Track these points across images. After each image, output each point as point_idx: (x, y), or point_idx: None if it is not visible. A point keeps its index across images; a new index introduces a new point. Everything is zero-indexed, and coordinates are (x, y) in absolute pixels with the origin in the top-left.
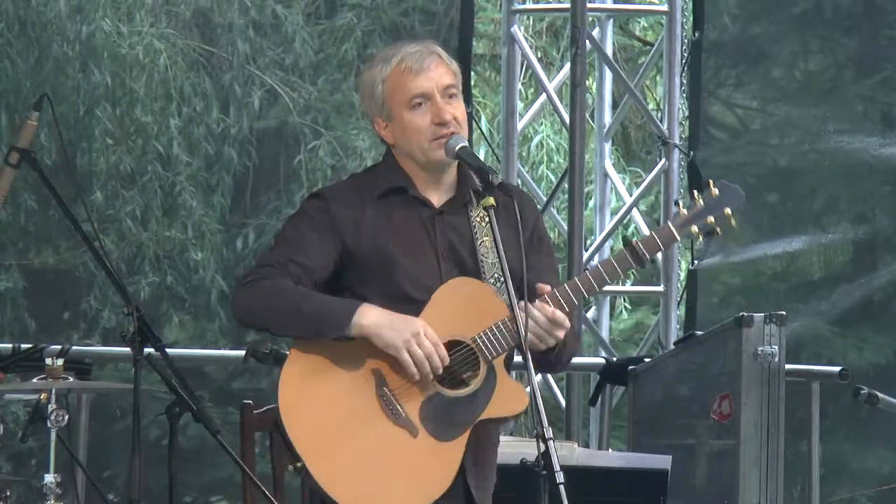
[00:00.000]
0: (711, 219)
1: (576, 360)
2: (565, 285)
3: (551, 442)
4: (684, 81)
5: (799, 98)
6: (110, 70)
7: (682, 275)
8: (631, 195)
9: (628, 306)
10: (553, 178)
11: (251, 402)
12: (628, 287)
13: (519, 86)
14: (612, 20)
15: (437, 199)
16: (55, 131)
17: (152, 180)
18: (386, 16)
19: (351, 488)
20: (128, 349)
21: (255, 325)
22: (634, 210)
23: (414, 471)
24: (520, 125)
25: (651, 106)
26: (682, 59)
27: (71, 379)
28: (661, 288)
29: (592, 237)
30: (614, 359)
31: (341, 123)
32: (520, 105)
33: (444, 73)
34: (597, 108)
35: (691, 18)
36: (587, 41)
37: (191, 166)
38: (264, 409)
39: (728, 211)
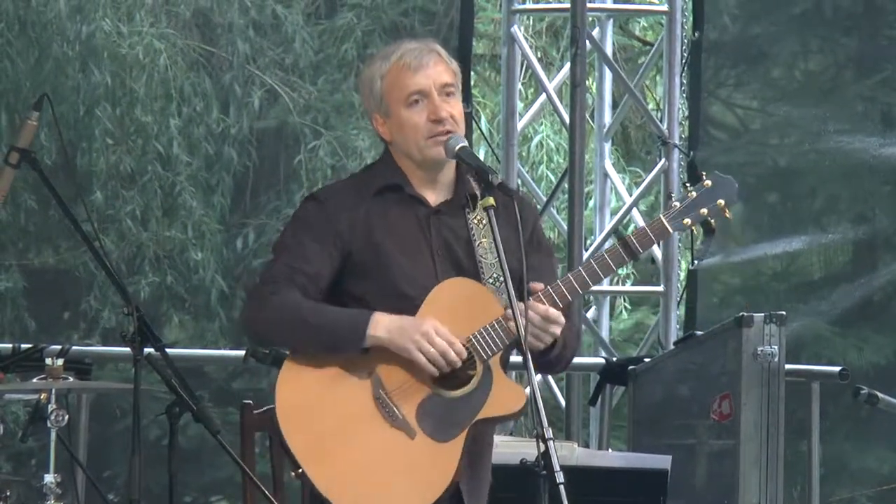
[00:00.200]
0: (704, 210)
1: (576, 360)
2: (559, 282)
3: (551, 442)
4: (684, 81)
5: (799, 98)
6: (110, 70)
7: (682, 275)
8: (631, 195)
9: (628, 306)
10: (553, 178)
11: (251, 402)
12: (628, 287)
13: (519, 86)
14: (612, 20)
15: (433, 197)
16: (55, 131)
17: (152, 180)
18: (386, 16)
19: (350, 492)
20: (128, 349)
21: (268, 343)
22: (634, 210)
23: (412, 472)
24: (520, 125)
25: (651, 106)
26: (682, 59)
27: (71, 379)
28: (661, 288)
29: (592, 237)
30: (614, 359)
31: (341, 123)
32: (520, 105)
33: (442, 72)
34: (597, 108)
35: (691, 18)
36: (587, 41)
37: (191, 166)
38: (264, 409)
39: (721, 202)
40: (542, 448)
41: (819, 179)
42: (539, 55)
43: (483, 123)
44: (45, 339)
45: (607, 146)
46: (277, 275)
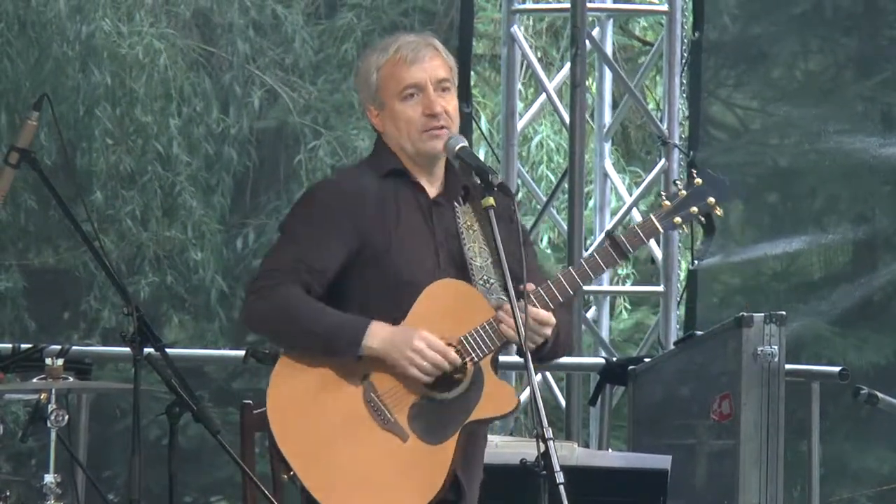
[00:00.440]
0: (695, 209)
1: (576, 360)
2: (549, 283)
3: (551, 442)
4: (684, 81)
5: (799, 98)
6: (110, 70)
7: (682, 275)
8: (631, 195)
9: (628, 306)
10: (553, 178)
11: (251, 402)
12: (628, 287)
13: (519, 86)
14: (612, 20)
15: (431, 190)
16: (55, 131)
17: (152, 180)
18: (386, 16)
19: (344, 497)
20: (128, 349)
21: (263, 334)
22: (634, 210)
23: (406, 476)
24: (520, 125)
25: (651, 106)
26: (682, 59)
27: (71, 379)
28: (661, 288)
29: (592, 237)
30: (614, 359)
31: (341, 123)
32: (520, 105)
33: (439, 66)
34: (597, 108)
35: (691, 18)
36: (587, 41)
37: (191, 166)
38: (264, 409)
39: (712, 200)
40: (542, 448)
41: (819, 179)
42: (539, 55)
43: (483, 123)
44: (45, 339)
45: (607, 146)
46: (283, 266)
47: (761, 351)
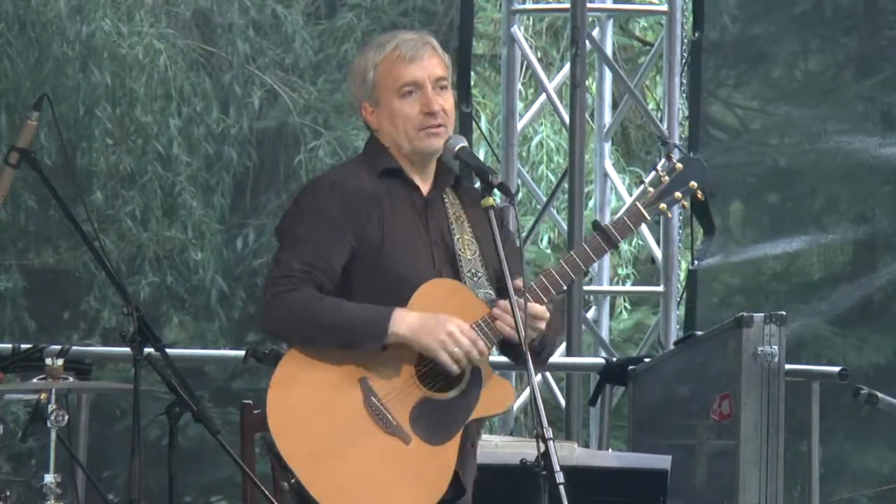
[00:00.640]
0: (678, 194)
1: (576, 360)
2: (541, 277)
3: (551, 442)
4: (684, 81)
5: (799, 98)
6: (110, 70)
7: (682, 275)
8: (631, 195)
9: (628, 306)
10: (553, 178)
11: (251, 402)
12: (628, 287)
13: (519, 86)
14: (611, 20)
15: (424, 187)
16: (55, 131)
17: (152, 180)
18: (386, 16)
19: (349, 501)
20: (128, 349)
21: (287, 340)
22: None
23: (410, 478)
24: (520, 125)
25: (651, 106)
26: (681, 59)
27: (71, 379)
28: (660, 288)
29: None
30: (614, 359)
31: (341, 123)
32: (520, 105)
33: (436, 65)
34: (597, 108)
35: (691, 18)
36: (587, 41)
37: (191, 166)
38: (263, 409)
39: (694, 184)
40: (542, 448)
41: (819, 179)
42: (539, 55)
43: (483, 123)
44: (45, 339)
45: (607, 146)
46: (294, 270)
47: (761, 351)
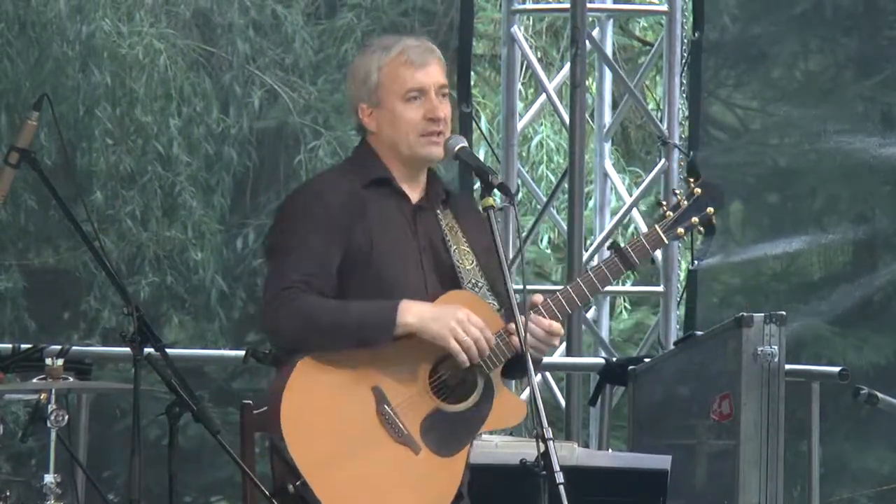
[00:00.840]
0: (696, 219)
1: (576, 360)
2: (558, 295)
3: (551, 442)
4: (684, 81)
5: (799, 98)
6: (110, 70)
7: (682, 275)
8: (631, 195)
9: (628, 306)
10: (553, 178)
11: (251, 402)
12: (628, 287)
13: (519, 86)
14: (611, 20)
15: (414, 195)
16: (55, 131)
17: (152, 180)
18: (386, 16)
19: None
20: (128, 349)
21: (296, 347)
22: (634, 210)
23: (418, 488)
24: (520, 125)
25: (651, 106)
26: (681, 59)
27: (71, 379)
28: (660, 288)
29: (592, 237)
30: (614, 359)
31: (341, 123)
32: (520, 105)
33: (440, 72)
34: (597, 108)
35: (691, 18)
36: (587, 41)
37: (191, 166)
38: (264, 409)
39: (711, 210)
40: (542, 448)
41: (819, 179)
42: (539, 55)
43: (483, 123)
44: (45, 339)
45: (607, 146)
46: (294, 281)
47: (761, 351)
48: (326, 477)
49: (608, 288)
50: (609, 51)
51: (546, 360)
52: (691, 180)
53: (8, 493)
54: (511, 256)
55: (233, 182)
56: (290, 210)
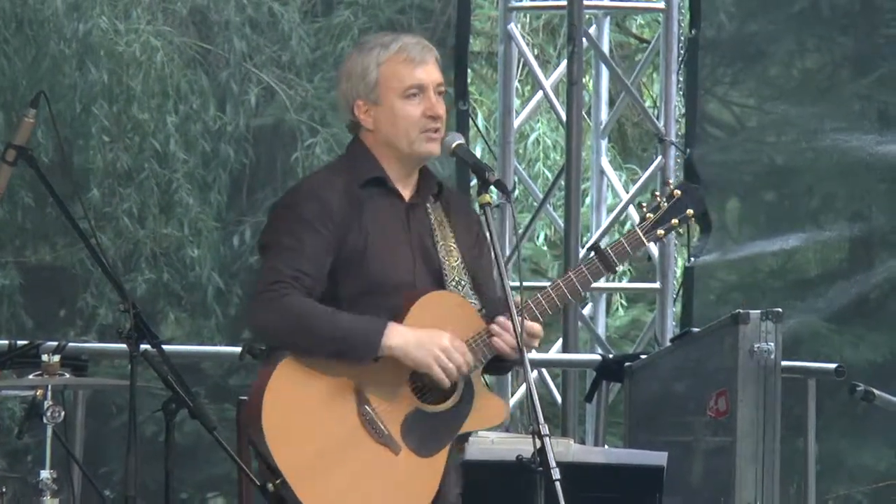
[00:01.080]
0: (675, 221)
1: (572, 356)
2: (539, 296)
3: (547, 438)
4: (681, 79)
5: (796, 96)
6: (107, 67)
7: (679, 272)
8: (627, 192)
9: (624, 303)
10: (550, 175)
11: (247, 398)
12: (625, 284)
13: (516, 83)
14: (608, 17)
15: (406, 193)
16: (52, 129)
17: (149, 178)
18: (383, 13)
19: None
20: (124, 346)
21: (278, 344)
22: (631, 207)
23: (397, 488)
24: (516, 122)
25: (648, 103)
26: (678, 57)
27: (67, 375)
28: (657, 285)
29: (589, 234)
30: (610, 355)
31: (338, 121)
32: (516, 102)
33: (437, 70)
34: (593, 105)
35: (688, 16)
36: (584, 38)
37: (188, 164)
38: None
39: (690, 212)
40: (539, 444)
41: (816, 177)
42: (536, 52)
43: (480, 121)
44: (42, 335)
45: (604, 143)
46: (283, 276)
47: (758, 348)
48: (307, 477)
49: (604, 285)
50: (606, 48)
51: (543, 356)
52: (670, 182)
53: (4, 490)
54: (507, 254)
55: (229, 179)
56: (285, 208)
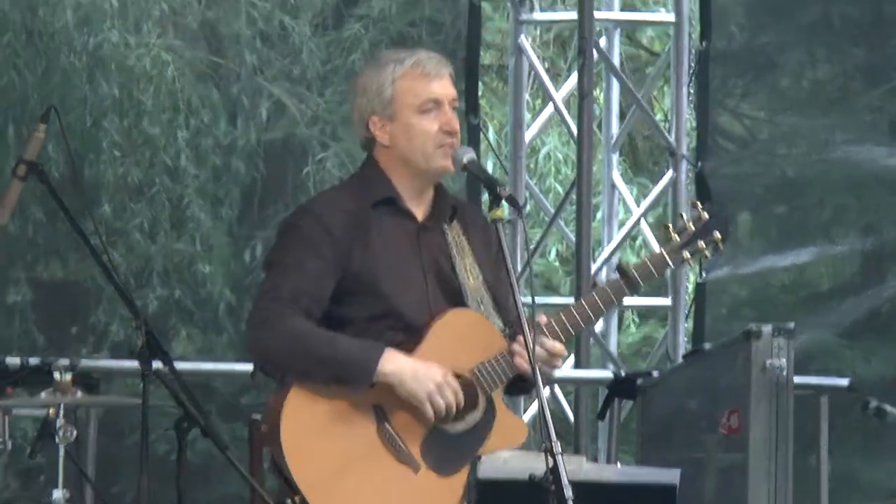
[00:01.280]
0: (702, 244)
1: (584, 373)
2: (562, 316)
3: (560, 457)
4: (692, 91)
5: (807, 108)
6: (118, 81)
7: (690, 287)
8: (639, 206)
9: (636, 319)
10: (561, 189)
11: (259, 417)
12: (636, 300)
13: (526, 96)
14: (619, 30)
15: (418, 212)
16: (62, 143)
17: (160, 192)
18: (393, 26)
19: None
20: (136, 364)
21: (273, 368)
22: (642, 221)
23: None
24: (527, 136)
25: (658, 116)
26: (689, 69)
27: (80, 394)
28: (668, 301)
29: (600, 249)
30: (622, 373)
31: (349, 135)
32: (527, 116)
33: (452, 86)
34: (604, 118)
35: (698, 28)
36: (594, 51)
37: (198, 178)
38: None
39: (718, 235)
40: (551, 463)
41: (827, 190)
42: (546, 66)
43: (491, 134)
44: (54, 352)
45: (615, 157)
46: (283, 296)
47: (770, 364)
48: (327, 495)
49: None
50: (616, 61)
51: (554, 372)
52: (699, 204)
53: None
54: (519, 269)
55: (240, 194)
56: (290, 227)
